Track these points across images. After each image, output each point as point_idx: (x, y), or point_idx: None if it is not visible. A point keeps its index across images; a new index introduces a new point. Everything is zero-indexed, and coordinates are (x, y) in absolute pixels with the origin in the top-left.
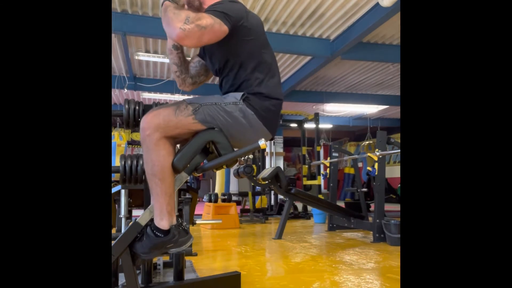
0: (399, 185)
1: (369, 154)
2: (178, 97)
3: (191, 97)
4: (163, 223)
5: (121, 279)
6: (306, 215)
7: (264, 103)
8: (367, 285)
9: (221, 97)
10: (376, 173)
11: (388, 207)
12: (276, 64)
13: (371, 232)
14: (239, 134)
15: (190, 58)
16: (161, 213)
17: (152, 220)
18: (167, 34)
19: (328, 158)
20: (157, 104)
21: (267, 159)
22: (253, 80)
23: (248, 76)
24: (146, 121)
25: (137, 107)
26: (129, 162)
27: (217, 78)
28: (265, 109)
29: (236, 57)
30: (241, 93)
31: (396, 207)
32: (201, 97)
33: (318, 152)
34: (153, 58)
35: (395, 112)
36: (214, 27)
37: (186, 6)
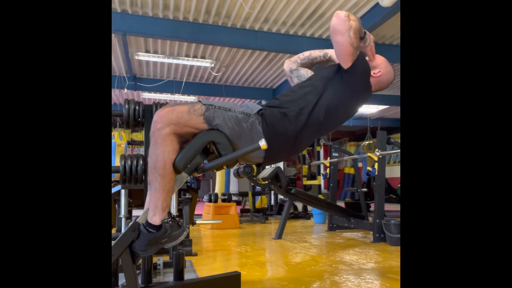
0: (399, 185)
1: (369, 154)
2: (178, 97)
3: (203, 97)
4: (155, 219)
5: (121, 279)
6: (306, 215)
7: (278, 129)
8: (367, 285)
9: (236, 105)
10: (376, 173)
11: (388, 207)
12: (328, 128)
13: (371, 232)
14: (241, 144)
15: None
16: (155, 208)
17: None
18: (335, 38)
19: (328, 158)
20: (157, 104)
21: None
22: (300, 108)
23: (316, 110)
24: (160, 115)
25: (137, 107)
26: (129, 162)
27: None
28: (274, 133)
29: (325, 86)
30: (259, 107)
31: (396, 207)
32: (217, 101)
33: (318, 152)
34: (153, 58)
35: (395, 112)
36: (354, 50)
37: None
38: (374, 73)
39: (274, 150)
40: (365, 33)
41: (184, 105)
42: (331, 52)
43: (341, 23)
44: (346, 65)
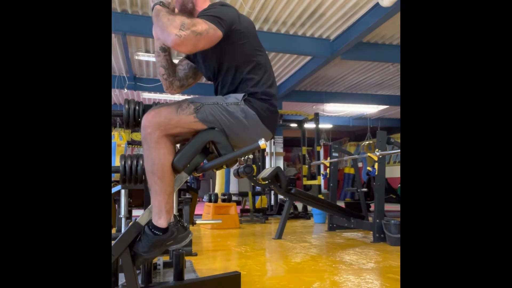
0: (399, 185)
1: (369, 154)
2: (178, 97)
3: (192, 96)
4: (161, 222)
5: (121, 279)
6: (306, 215)
7: (264, 104)
8: (367, 285)
9: (223, 98)
10: (376, 173)
11: (388, 207)
12: (270, 65)
13: (371, 232)
14: (240, 134)
15: (177, 61)
16: (159, 211)
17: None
18: (159, 39)
19: (328, 158)
20: (157, 104)
21: (267, 159)
22: (250, 82)
23: (244, 78)
24: (148, 119)
25: (137, 107)
26: (129, 162)
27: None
28: (265, 109)
29: (232, 60)
30: (242, 94)
31: (396, 207)
32: (203, 97)
33: (318, 152)
34: (153, 58)
35: (395, 112)
36: (209, 33)
37: (176, 10)
38: (192, 7)
39: (273, 120)
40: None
41: (170, 106)
42: (159, 43)
43: (184, 43)
44: (217, 40)
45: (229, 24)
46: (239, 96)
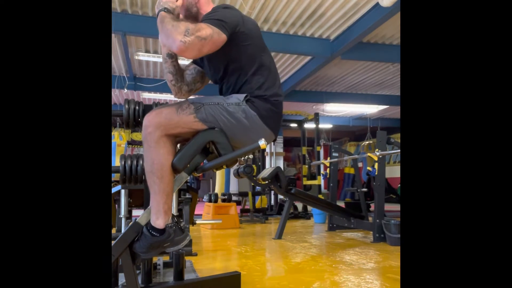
0: (399, 185)
1: (369, 154)
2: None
3: (193, 97)
4: (158, 222)
5: (121, 279)
6: (306, 215)
7: (266, 105)
8: (367, 285)
9: (224, 98)
10: (376, 173)
11: (388, 207)
12: (275, 65)
13: (371, 232)
14: (241, 135)
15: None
16: (157, 212)
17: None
18: (165, 45)
19: (328, 158)
20: (158, 104)
21: (267, 159)
22: (254, 83)
23: (249, 80)
24: (148, 119)
25: (137, 107)
26: (129, 162)
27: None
28: (267, 110)
29: (236, 62)
30: (244, 95)
31: (396, 207)
32: (203, 97)
33: (318, 152)
34: (153, 58)
35: (395, 112)
36: (214, 37)
37: (181, 16)
38: (197, 10)
39: (276, 121)
40: (166, 9)
41: (171, 107)
42: (166, 49)
43: (190, 48)
44: (221, 44)
45: (232, 27)
46: (241, 96)
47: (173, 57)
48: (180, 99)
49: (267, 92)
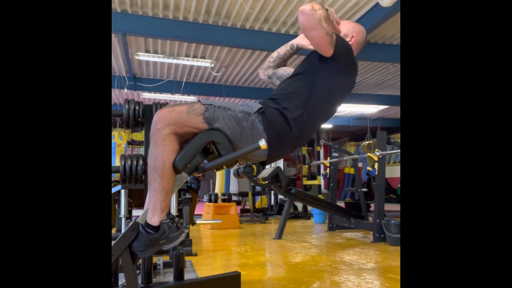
0: (399, 185)
1: (369, 154)
2: (178, 97)
3: (204, 98)
4: (154, 220)
5: (121, 279)
6: (306, 215)
7: (279, 127)
8: (367, 285)
9: (236, 104)
10: (376, 173)
11: (388, 207)
12: (334, 110)
13: (371, 232)
14: (241, 143)
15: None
16: (154, 209)
17: None
18: (308, 34)
19: (328, 158)
20: (157, 104)
21: None
22: (297, 106)
23: (302, 99)
24: (159, 115)
25: (137, 107)
26: (129, 162)
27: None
28: (276, 132)
29: (318, 78)
30: (260, 106)
31: (396, 207)
32: (216, 101)
33: (318, 152)
34: (153, 58)
35: (395, 112)
36: (326, 37)
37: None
38: (349, 41)
39: (277, 147)
40: (327, 10)
41: (183, 105)
42: (296, 41)
43: (309, 18)
44: (328, 54)
45: (342, 50)
46: (256, 107)
47: (297, 50)
48: (260, 74)
49: (293, 120)
